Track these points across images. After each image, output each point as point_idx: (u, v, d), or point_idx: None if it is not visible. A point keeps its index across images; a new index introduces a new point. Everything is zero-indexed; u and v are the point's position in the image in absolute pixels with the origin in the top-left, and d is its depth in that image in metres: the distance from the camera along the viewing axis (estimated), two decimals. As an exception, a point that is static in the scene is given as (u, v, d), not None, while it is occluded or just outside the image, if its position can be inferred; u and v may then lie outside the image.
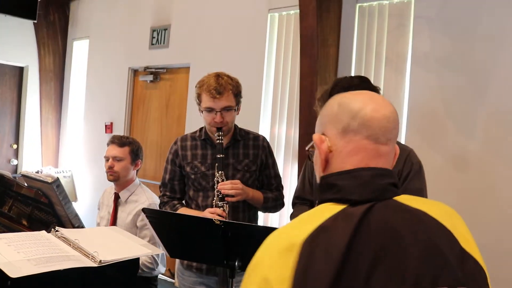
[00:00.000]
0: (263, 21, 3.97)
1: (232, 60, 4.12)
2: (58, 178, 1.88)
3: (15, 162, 6.07)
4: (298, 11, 3.46)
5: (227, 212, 2.14)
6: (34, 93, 6.08)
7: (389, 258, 0.85)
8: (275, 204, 2.43)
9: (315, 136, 1.05)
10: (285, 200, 2.50)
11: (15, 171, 5.92)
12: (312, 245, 0.87)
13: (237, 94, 2.30)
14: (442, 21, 3.04)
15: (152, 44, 5.02)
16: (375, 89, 2.05)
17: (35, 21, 5.65)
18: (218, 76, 2.27)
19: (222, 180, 2.17)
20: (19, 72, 6.09)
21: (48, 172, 5.67)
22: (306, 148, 1.13)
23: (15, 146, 6.07)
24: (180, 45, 4.76)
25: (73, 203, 5.99)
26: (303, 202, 2.33)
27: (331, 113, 1.04)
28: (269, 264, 0.89)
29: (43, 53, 6.03)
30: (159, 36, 4.96)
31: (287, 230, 0.95)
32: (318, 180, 1.06)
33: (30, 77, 6.04)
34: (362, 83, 2.03)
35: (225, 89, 2.22)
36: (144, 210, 1.71)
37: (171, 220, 1.76)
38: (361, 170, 0.97)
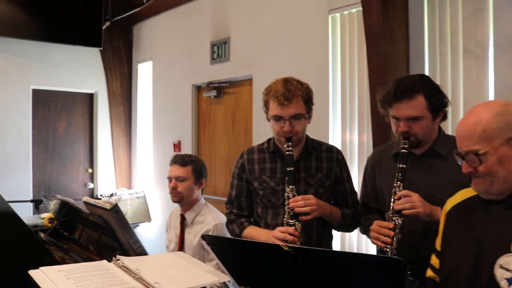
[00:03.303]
0: (324, 23, 3.77)
1: (295, 66, 3.95)
2: (116, 204, 1.79)
3: (91, 186, 6.26)
4: (361, 8, 3.24)
5: (299, 231, 1.95)
6: (104, 117, 6.28)
7: None
8: (352, 222, 2.21)
9: None
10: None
11: (92, 194, 6.10)
12: None
13: (308, 101, 2.11)
14: (527, 0, 2.69)
15: (213, 59, 4.98)
16: (437, 86, 2.02)
17: (101, 48, 5.83)
18: (286, 81, 2.09)
19: (293, 196, 1.99)
20: (90, 98, 6.31)
21: (122, 193, 5.78)
22: (481, 152, 1.38)
23: (90, 170, 6.27)
24: (241, 57, 4.67)
25: (147, 224, 6.06)
26: (370, 211, 2.19)
27: None
28: None
29: (110, 78, 6.21)
30: (219, 50, 4.90)
31: None
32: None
33: (100, 102, 6.25)
34: (424, 81, 2.00)
35: (294, 95, 2.04)
36: (203, 237, 1.57)
37: (233, 246, 1.60)
38: None
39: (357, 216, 2.23)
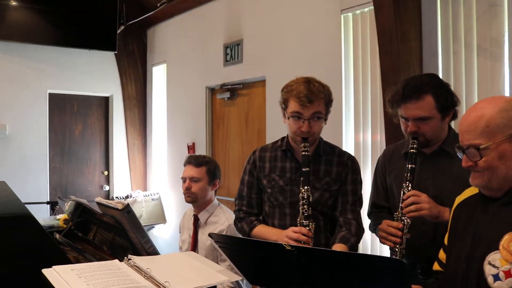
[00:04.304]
0: (337, 23, 3.76)
1: (307, 67, 3.94)
2: (128, 205, 1.80)
3: (107, 188, 6.32)
4: (373, 7, 3.22)
5: (313, 231, 1.94)
6: (120, 120, 6.34)
7: None
8: (358, 238, 2.13)
9: None
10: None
11: (107, 197, 6.16)
12: None
13: (328, 104, 2.10)
14: (542, -4, 2.65)
15: (227, 60, 4.99)
16: (446, 85, 2.01)
17: (116, 52, 5.89)
18: (309, 82, 2.06)
19: (308, 196, 1.97)
20: (105, 102, 6.38)
21: (137, 195, 5.82)
22: (482, 147, 1.37)
23: (106, 173, 6.33)
24: (254, 58, 4.68)
25: (162, 225, 6.07)
26: (380, 210, 2.18)
27: None
28: None
29: (125, 82, 6.27)
30: (232, 52, 4.91)
31: None
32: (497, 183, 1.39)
33: (115, 105, 6.31)
34: (433, 81, 1.99)
35: (317, 97, 2.02)
36: (210, 235, 1.56)
37: (240, 245, 1.59)
38: None
39: (360, 231, 2.16)
